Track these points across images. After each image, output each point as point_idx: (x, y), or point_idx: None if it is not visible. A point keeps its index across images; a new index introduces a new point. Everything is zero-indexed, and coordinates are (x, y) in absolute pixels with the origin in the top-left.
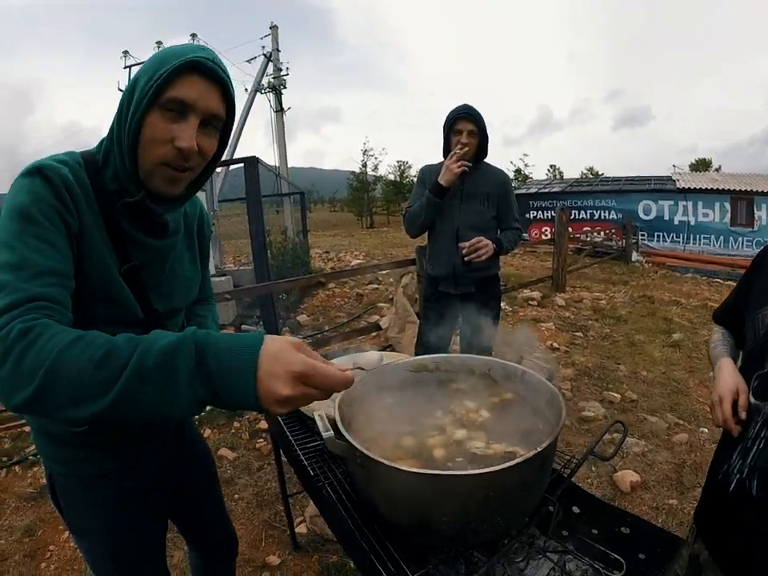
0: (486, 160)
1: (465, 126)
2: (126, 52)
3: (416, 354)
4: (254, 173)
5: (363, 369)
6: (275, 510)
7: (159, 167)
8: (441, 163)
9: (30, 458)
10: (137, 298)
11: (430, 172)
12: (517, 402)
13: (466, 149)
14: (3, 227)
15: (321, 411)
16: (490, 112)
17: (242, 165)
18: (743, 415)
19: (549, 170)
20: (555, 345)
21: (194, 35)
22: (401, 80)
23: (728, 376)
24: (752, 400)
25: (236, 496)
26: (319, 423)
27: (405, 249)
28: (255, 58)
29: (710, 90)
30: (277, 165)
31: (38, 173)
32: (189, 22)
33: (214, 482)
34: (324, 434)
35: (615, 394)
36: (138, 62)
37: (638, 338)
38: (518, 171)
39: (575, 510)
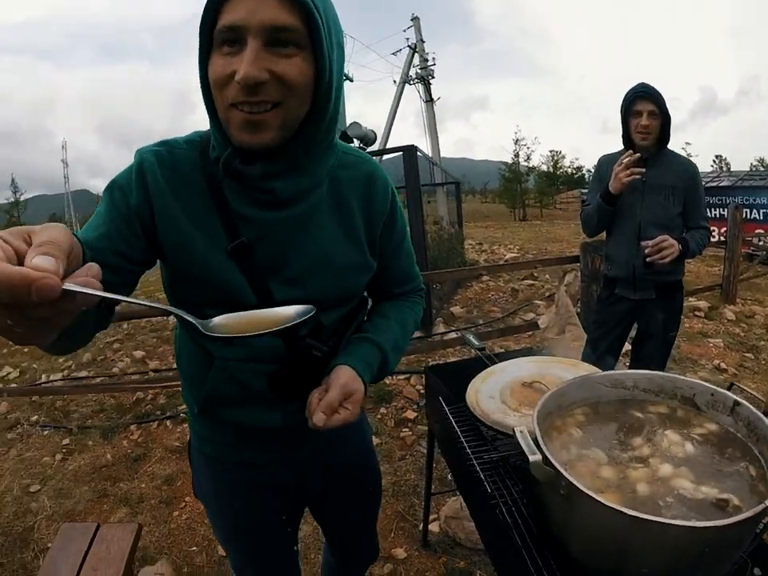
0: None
1: (644, 107)
2: None
3: (583, 361)
4: (412, 161)
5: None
6: (410, 503)
7: (230, 111)
8: (620, 152)
9: (182, 415)
10: (249, 281)
11: (608, 163)
12: (723, 437)
13: (637, 155)
14: None
15: (523, 427)
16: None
17: (394, 153)
18: None
19: (714, 161)
20: (723, 365)
21: None
22: (548, 65)
23: None
24: None
25: None
26: (522, 442)
27: (560, 244)
28: (401, 50)
29: None
30: (430, 154)
31: (135, 157)
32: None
33: (372, 505)
34: (531, 457)
35: None
36: None
37: None
38: None
39: (757, 571)
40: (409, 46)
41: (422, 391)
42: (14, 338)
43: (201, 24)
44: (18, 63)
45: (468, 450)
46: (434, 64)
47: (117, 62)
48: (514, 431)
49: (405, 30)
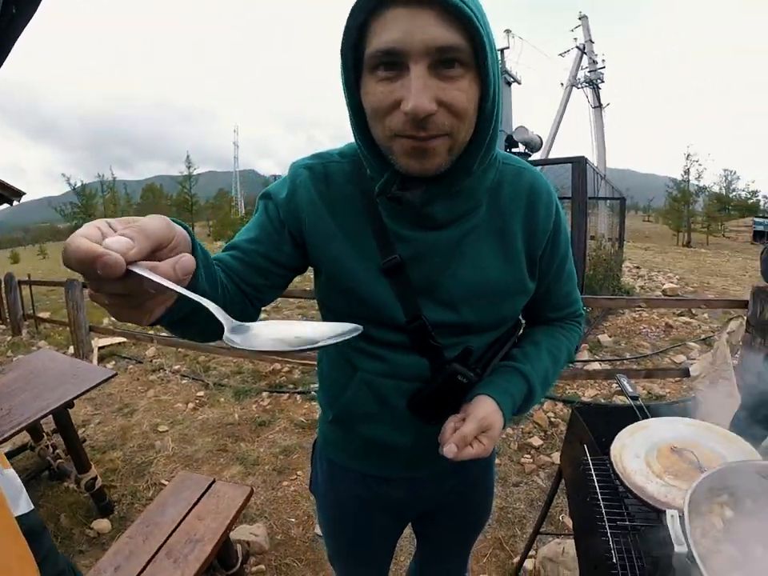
0: None
1: None
2: None
3: (732, 430)
4: (582, 174)
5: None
6: (512, 533)
7: (393, 141)
8: None
9: (312, 392)
10: (400, 299)
11: None
12: None
13: None
14: None
15: (674, 511)
16: None
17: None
18: None
19: None
20: None
21: (508, 31)
22: (732, 73)
23: None
24: None
25: None
26: (671, 529)
27: (724, 279)
28: (569, 51)
29: None
30: (595, 164)
31: (289, 170)
32: (503, 16)
33: (477, 527)
34: (677, 548)
35: None
36: None
37: None
38: None
39: None
40: (577, 47)
41: (553, 419)
42: (111, 313)
43: (343, 45)
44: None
45: (603, 511)
46: (604, 66)
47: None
48: (665, 514)
49: (572, 30)
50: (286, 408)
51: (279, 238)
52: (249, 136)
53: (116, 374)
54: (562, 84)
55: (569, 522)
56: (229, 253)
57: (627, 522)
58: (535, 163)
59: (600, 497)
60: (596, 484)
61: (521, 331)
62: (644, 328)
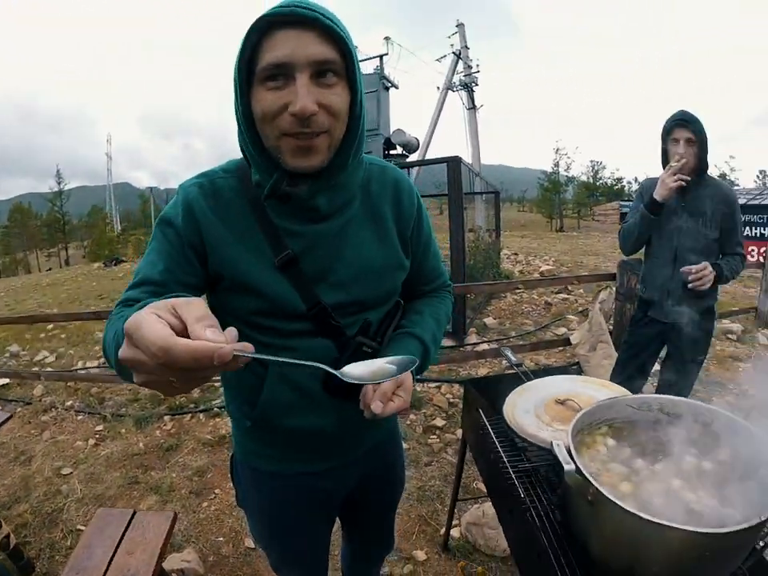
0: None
1: (682, 135)
2: None
3: (612, 380)
4: (456, 172)
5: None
6: (433, 508)
7: (282, 140)
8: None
9: (215, 409)
10: (298, 290)
11: (650, 187)
12: (737, 461)
13: (684, 161)
14: None
15: (559, 441)
16: (703, 108)
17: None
18: None
19: (758, 177)
20: (752, 392)
21: (387, 38)
22: (593, 73)
23: None
24: None
25: None
26: (558, 454)
27: (595, 257)
28: (445, 56)
29: None
30: (470, 162)
31: (176, 194)
32: (382, 24)
33: (394, 503)
34: (566, 467)
35: None
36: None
37: None
38: (722, 177)
39: None
40: (453, 52)
41: (452, 400)
42: (168, 392)
43: (239, 60)
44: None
45: (505, 460)
46: (478, 71)
47: (160, 52)
48: (551, 444)
49: (449, 37)
50: (191, 429)
51: (187, 260)
52: (122, 147)
53: (11, 416)
54: (438, 88)
55: (483, 487)
56: (141, 290)
57: (527, 465)
58: (413, 164)
59: (501, 450)
60: (495, 439)
61: (402, 308)
62: (525, 307)
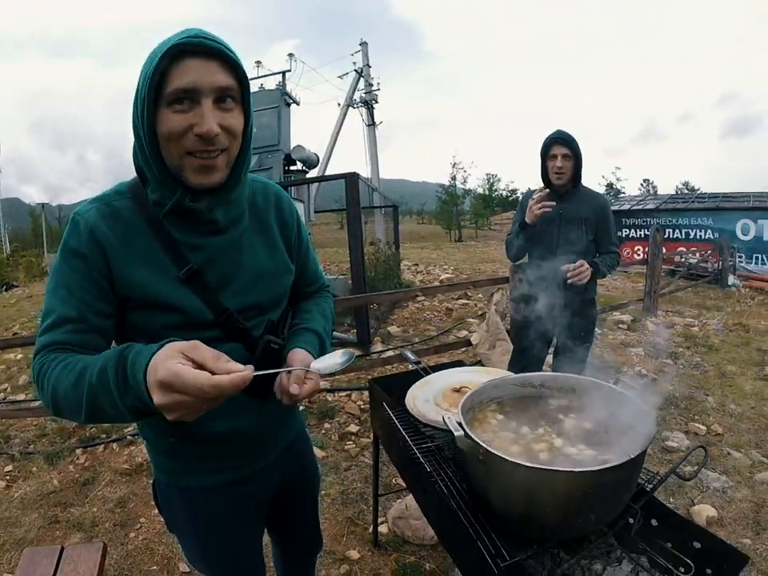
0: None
1: (559, 151)
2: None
3: (509, 370)
4: (354, 188)
5: (319, 372)
6: (359, 509)
7: (186, 158)
8: (539, 190)
9: (128, 437)
10: (204, 301)
11: (528, 199)
12: (611, 418)
13: (547, 190)
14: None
15: (449, 414)
16: (589, 124)
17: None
18: None
19: (642, 185)
20: (644, 371)
21: (291, 55)
22: (489, 91)
23: None
24: None
25: (323, 492)
26: (449, 424)
27: (492, 264)
28: (347, 73)
29: None
30: (369, 177)
31: (70, 222)
32: (287, 39)
33: (315, 497)
34: (456, 433)
35: (701, 426)
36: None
37: (730, 368)
38: (609, 186)
39: (653, 522)
40: (355, 70)
41: (363, 407)
42: (196, 416)
43: (147, 86)
44: None
45: (410, 443)
46: (379, 89)
47: (54, 59)
48: (443, 418)
49: (353, 54)
50: (106, 460)
51: (99, 288)
52: (12, 157)
53: None
54: (339, 104)
55: (402, 482)
56: (62, 330)
57: (431, 444)
58: (313, 180)
59: (406, 435)
60: (400, 428)
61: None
62: (428, 314)
